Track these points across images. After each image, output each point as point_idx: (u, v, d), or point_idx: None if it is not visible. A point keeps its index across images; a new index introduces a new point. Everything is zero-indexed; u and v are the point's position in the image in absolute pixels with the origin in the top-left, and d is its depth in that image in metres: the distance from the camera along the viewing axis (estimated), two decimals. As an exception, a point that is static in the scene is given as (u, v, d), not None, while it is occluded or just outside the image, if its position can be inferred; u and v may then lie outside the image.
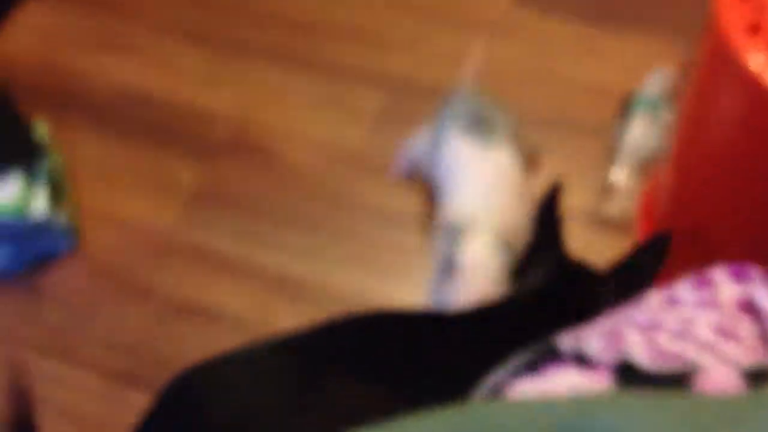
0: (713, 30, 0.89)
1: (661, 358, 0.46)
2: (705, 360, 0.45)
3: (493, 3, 1.58)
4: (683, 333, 0.49)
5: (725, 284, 0.54)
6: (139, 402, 1.20)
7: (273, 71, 1.55)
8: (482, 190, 1.09)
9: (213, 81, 1.54)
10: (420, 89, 1.47)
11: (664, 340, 0.48)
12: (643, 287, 0.96)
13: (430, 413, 0.45)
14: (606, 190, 1.30)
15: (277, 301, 1.28)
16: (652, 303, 0.54)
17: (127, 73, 1.57)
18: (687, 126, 1.05)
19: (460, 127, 1.14)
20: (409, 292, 1.26)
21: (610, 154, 1.34)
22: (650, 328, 0.50)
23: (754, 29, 0.85)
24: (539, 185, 1.09)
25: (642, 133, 1.32)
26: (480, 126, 1.13)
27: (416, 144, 1.28)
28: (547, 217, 0.99)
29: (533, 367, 0.51)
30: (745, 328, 0.50)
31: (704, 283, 0.54)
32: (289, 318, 1.26)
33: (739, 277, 0.55)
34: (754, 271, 0.56)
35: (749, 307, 0.52)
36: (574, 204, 1.30)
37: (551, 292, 0.95)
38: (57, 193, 1.34)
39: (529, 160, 1.24)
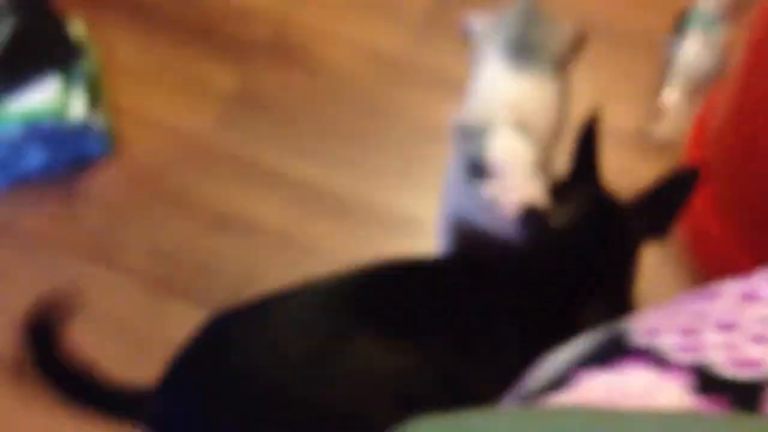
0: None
1: (739, 363, 0.45)
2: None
3: None
4: (762, 335, 0.48)
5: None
6: (177, 309, 1.22)
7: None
8: (505, 96, 1.03)
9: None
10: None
11: (742, 343, 0.46)
12: (670, 220, 0.94)
13: (496, 410, 0.44)
14: (656, 111, 1.27)
15: (314, 213, 1.28)
16: (728, 297, 0.52)
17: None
18: (757, 43, 0.99)
19: (502, 48, 1.09)
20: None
21: (661, 73, 1.29)
22: (727, 328, 0.48)
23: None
24: (584, 103, 1.04)
25: (696, 53, 1.27)
26: (524, 53, 1.06)
27: (482, 23, 1.19)
28: (585, 148, 0.96)
29: (602, 358, 0.50)
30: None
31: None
32: (326, 231, 1.26)
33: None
34: None
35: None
36: (620, 124, 1.26)
37: (581, 233, 0.93)
38: (94, 95, 1.31)
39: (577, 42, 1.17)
